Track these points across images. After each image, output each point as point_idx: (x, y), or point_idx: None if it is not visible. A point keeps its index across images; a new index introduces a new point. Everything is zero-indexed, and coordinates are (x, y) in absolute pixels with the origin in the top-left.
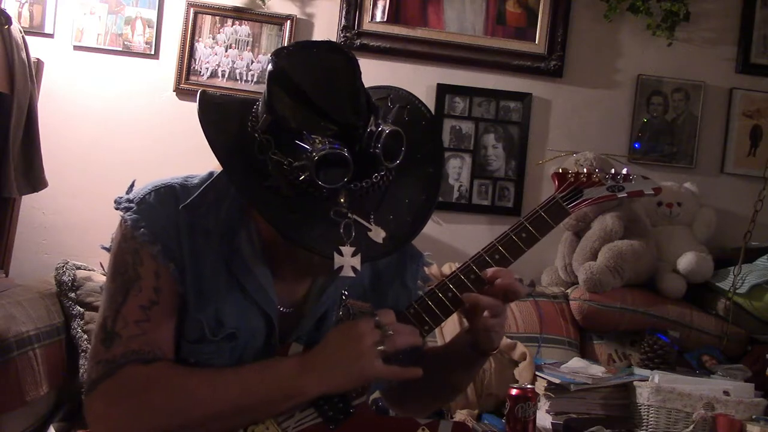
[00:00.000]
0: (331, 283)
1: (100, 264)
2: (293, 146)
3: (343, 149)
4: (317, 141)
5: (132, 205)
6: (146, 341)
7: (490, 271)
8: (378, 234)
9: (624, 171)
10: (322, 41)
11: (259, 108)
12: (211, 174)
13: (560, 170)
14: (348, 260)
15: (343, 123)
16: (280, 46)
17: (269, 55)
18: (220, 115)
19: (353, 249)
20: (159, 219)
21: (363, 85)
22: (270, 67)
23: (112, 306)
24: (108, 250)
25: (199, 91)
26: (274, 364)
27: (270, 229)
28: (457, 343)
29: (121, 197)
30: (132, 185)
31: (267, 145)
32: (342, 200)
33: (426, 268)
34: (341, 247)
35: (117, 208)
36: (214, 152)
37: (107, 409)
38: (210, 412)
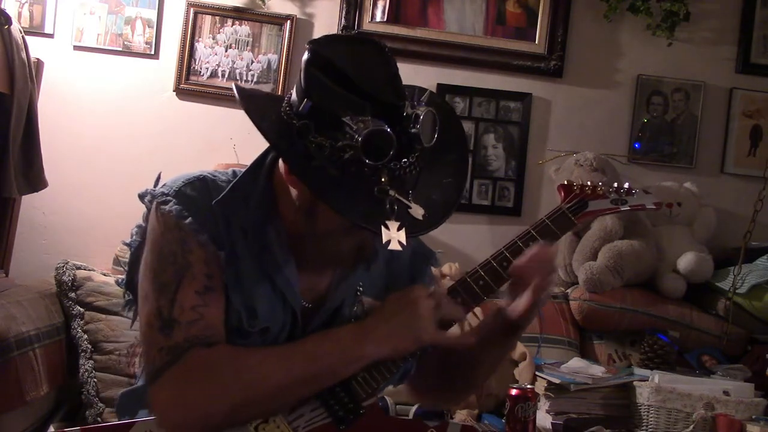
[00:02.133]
0: (345, 278)
1: (116, 257)
2: (335, 128)
3: (386, 126)
4: (360, 121)
5: (170, 198)
6: (205, 326)
7: (531, 251)
8: (417, 211)
9: (626, 185)
10: (350, 34)
11: (293, 96)
12: (234, 173)
13: (566, 182)
14: (395, 234)
15: (386, 103)
16: (279, 46)
17: (305, 44)
18: (256, 105)
19: (398, 224)
20: (201, 209)
21: (398, 70)
22: (307, 54)
23: (165, 295)
24: (129, 245)
25: (233, 84)
26: (332, 334)
27: (296, 223)
28: (488, 322)
29: (153, 190)
30: (158, 178)
31: (307, 129)
32: (384, 179)
33: (433, 268)
34: (388, 222)
35: (151, 200)
36: (264, 136)
37: (178, 393)
38: (278, 384)
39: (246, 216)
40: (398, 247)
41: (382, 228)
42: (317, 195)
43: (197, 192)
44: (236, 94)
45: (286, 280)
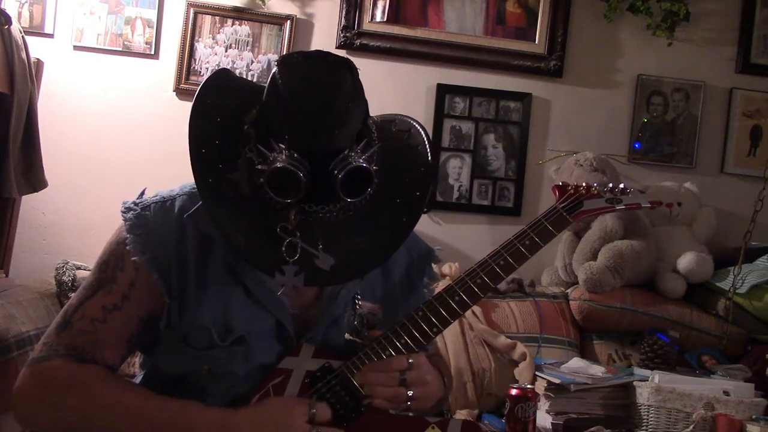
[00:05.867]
0: (344, 286)
1: None
2: (269, 149)
3: (300, 168)
4: (284, 152)
5: (132, 210)
6: (92, 341)
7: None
8: (326, 261)
9: (621, 185)
10: (340, 57)
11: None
12: None
13: (561, 182)
14: (290, 279)
15: (302, 142)
16: (279, 46)
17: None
18: (223, 97)
19: (296, 268)
20: (156, 229)
21: (359, 112)
22: (273, 68)
23: (79, 297)
24: None
25: (221, 67)
26: (196, 412)
27: None
28: None
29: (129, 202)
30: (142, 193)
31: (248, 138)
32: (292, 218)
33: (434, 265)
34: (283, 266)
35: (121, 211)
36: (189, 130)
37: (31, 389)
38: (117, 430)
39: None
40: (292, 293)
41: (276, 273)
42: (203, 203)
43: (164, 213)
44: (208, 78)
45: (266, 289)
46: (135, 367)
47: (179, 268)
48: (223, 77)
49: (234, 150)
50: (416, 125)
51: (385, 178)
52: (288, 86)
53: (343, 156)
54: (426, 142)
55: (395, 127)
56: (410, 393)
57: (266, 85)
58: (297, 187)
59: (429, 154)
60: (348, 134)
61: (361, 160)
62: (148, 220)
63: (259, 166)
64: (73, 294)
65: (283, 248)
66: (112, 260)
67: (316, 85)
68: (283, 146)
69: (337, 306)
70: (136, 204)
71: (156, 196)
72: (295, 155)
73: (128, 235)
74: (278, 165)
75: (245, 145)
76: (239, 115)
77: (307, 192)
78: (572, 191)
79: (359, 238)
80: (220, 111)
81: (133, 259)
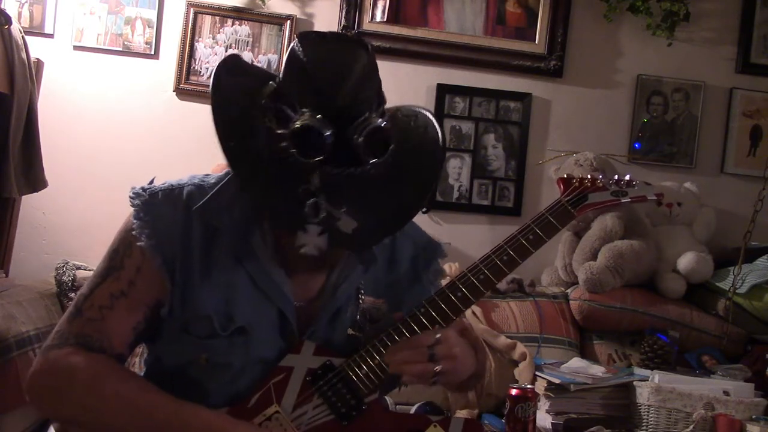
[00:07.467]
0: (345, 279)
1: None
2: (287, 116)
3: (325, 127)
4: (305, 113)
5: (141, 197)
6: (101, 328)
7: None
8: (348, 224)
9: (627, 177)
10: (351, 36)
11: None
12: (227, 174)
13: (565, 175)
14: (312, 239)
15: (329, 101)
16: (279, 46)
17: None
18: (239, 78)
19: (319, 229)
20: (163, 215)
21: (375, 83)
22: (292, 44)
23: (90, 285)
24: None
25: (232, 53)
26: (192, 414)
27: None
28: None
29: (137, 187)
30: (152, 182)
31: (266, 110)
32: (314, 181)
33: (440, 260)
34: (308, 226)
35: (129, 197)
36: (212, 103)
37: (39, 378)
38: (108, 424)
39: (231, 219)
40: (315, 252)
41: (299, 232)
42: (228, 162)
43: (172, 201)
44: (224, 62)
45: (271, 282)
46: (135, 367)
47: (184, 254)
48: (237, 61)
49: (253, 121)
50: (424, 111)
51: (398, 157)
52: (308, 54)
53: (365, 118)
54: (437, 128)
55: (401, 113)
56: (437, 368)
57: (283, 62)
58: (321, 146)
59: (440, 139)
60: (368, 97)
61: (380, 121)
62: (156, 206)
63: (280, 131)
64: (73, 294)
65: (306, 209)
66: (121, 248)
67: (335, 54)
68: (305, 110)
69: (338, 298)
70: (144, 190)
71: (165, 183)
72: (318, 116)
73: (135, 221)
74: (304, 123)
75: (263, 117)
76: (256, 91)
77: (328, 155)
78: (577, 184)
79: (375, 209)
80: (236, 88)
81: (139, 244)
